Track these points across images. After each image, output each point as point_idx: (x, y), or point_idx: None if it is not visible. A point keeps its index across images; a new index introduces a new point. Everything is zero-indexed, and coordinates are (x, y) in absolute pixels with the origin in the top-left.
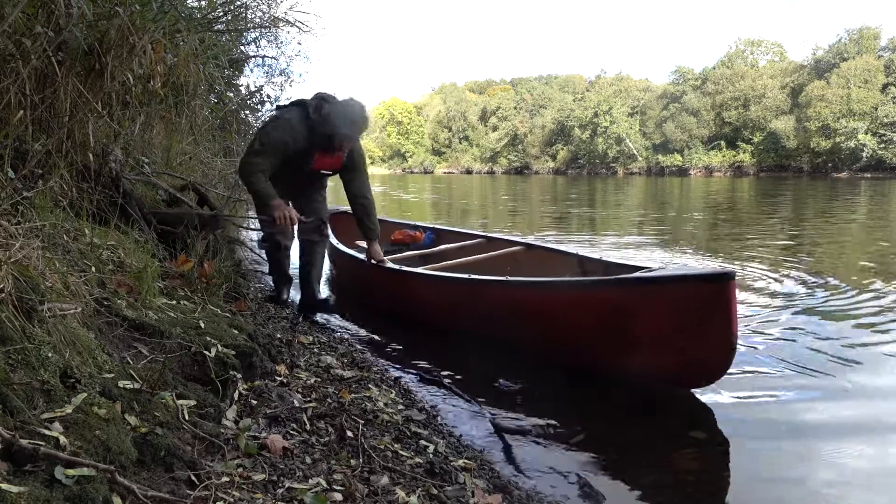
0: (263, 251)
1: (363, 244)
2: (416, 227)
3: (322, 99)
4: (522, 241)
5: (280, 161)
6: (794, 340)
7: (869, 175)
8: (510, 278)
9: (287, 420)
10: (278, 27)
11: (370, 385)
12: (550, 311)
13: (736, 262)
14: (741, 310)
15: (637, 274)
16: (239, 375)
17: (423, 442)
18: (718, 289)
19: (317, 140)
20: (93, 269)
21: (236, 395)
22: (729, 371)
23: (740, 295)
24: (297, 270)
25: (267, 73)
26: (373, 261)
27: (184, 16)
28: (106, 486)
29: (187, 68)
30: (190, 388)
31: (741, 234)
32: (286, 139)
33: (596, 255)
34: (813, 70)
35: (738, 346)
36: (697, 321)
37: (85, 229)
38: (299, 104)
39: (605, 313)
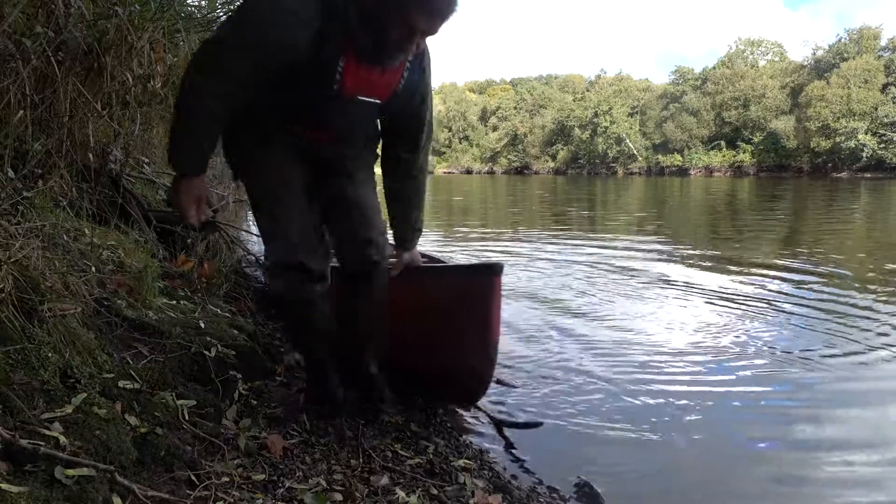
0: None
1: None
2: None
3: None
4: (426, 253)
5: (270, 72)
6: (791, 340)
7: (869, 175)
8: None
9: (287, 420)
10: None
11: None
12: None
13: (735, 262)
14: (743, 309)
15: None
16: (239, 375)
17: (423, 442)
18: (475, 287)
19: (343, 30)
20: (93, 269)
21: (236, 395)
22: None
23: (741, 294)
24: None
25: None
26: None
27: (183, 16)
28: (106, 486)
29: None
30: (190, 388)
31: (741, 234)
32: (280, 27)
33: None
34: (813, 70)
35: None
36: (449, 324)
37: (85, 229)
38: None
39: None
